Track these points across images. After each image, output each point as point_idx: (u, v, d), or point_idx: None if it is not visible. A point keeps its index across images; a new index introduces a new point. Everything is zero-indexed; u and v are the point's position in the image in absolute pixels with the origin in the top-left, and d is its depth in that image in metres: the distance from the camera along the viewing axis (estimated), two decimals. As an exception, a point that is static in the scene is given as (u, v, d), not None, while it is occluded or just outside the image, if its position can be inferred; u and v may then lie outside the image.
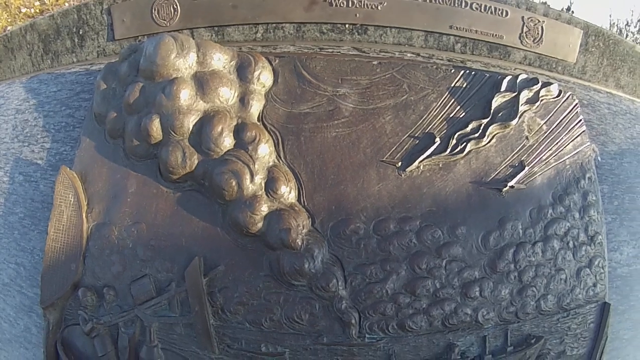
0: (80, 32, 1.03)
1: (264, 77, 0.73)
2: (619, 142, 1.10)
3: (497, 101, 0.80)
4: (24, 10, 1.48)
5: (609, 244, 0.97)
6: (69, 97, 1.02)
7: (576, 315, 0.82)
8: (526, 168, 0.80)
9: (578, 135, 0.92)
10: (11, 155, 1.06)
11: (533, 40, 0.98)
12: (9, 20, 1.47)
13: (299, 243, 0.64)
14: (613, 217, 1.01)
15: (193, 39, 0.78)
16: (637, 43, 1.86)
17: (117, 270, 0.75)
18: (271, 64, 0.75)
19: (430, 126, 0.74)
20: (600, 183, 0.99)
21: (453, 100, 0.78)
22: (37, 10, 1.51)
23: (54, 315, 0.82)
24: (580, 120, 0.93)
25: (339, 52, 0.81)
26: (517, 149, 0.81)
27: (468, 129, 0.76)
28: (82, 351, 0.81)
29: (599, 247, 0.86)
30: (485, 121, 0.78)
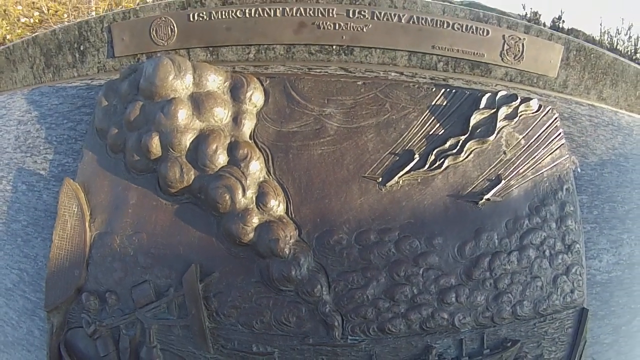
0: (81, 48, 1.15)
1: (255, 98, 0.85)
2: (600, 153, 1.22)
3: (475, 118, 0.92)
4: (23, 19, 1.61)
5: (588, 252, 1.08)
6: (70, 111, 1.14)
7: (553, 321, 0.93)
8: (503, 181, 0.92)
9: (557, 148, 1.03)
10: (14, 165, 1.18)
11: (514, 57, 1.10)
12: (8, 28, 1.60)
13: (287, 252, 0.76)
14: (592, 226, 1.12)
15: (190, 60, 0.91)
16: (627, 51, 1.98)
17: (118, 276, 0.87)
18: (262, 85, 0.87)
19: (410, 143, 0.86)
20: (579, 193, 1.10)
21: (433, 117, 0.90)
22: (37, 20, 1.64)
23: (58, 318, 0.94)
24: (560, 133, 1.04)
25: (327, 72, 0.93)
26: (495, 163, 0.92)
27: (446, 145, 0.87)
28: (84, 353, 0.93)
29: (577, 255, 0.97)
30: (463, 138, 0.89)
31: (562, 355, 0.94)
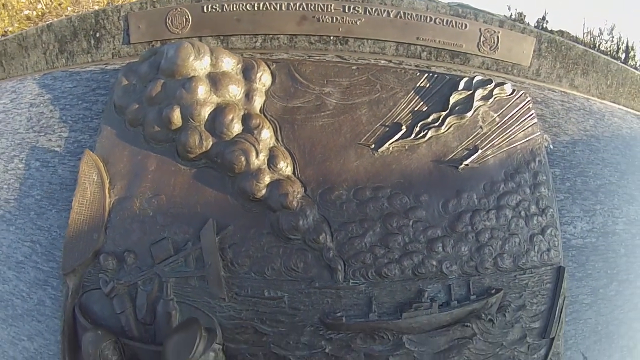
0: (97, 35, 1.42)
1: (264, 78, 1.13)
2: (571, 133, 1.55)
3: (454, 97, 1.22)
4: (26, 12, 1.85)
5: (562, 218, 1.39)
6: (85, 93, 1.39)
7: (533, 275, 1.22)
8: (479, 151, 1.21)
9: (529, 126, 1.34)
10: (26, 144, 1.40)
11: (490, 48, 1.43)
12: (8, 21, 1.83)
13: (295, 205, 1.02)
14: (565, 196, 1.43)
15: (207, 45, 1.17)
16: (610, 50, 2.39)
17: (137, 236, 1.10)
18: (269, 68, 1.16)
19: (398, 117, 1.15)
20: (552, 167, 1.42)
21: (417, 97, 1.19)
22: (39, 13, 1.89)
23: (74, 281, 1.15)
24: (532, 113, 1.36)
25: (325, 59, 1.22)
26: (472, 135, 1.22)
27: (429, 119, 1.17)
28: (99, 314, 1.14)
29: (551, 218, 1.27)
30: (444, 113, 1.20)
31: (544, 308, 1.22)
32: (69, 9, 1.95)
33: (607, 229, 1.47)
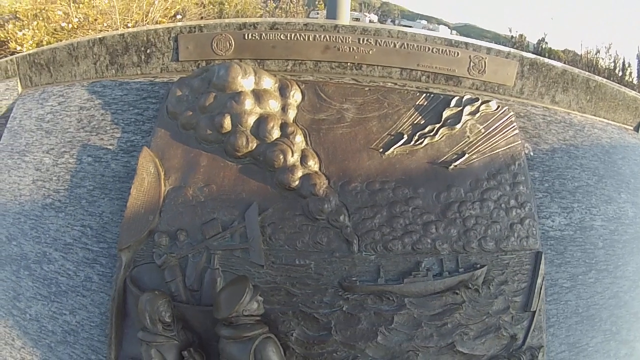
0: (148, 51, 2.31)
1: (296, 96, 2.02)
2: (551, 142, 2.48)
3: (446, 113, 2.14)
4: (63, 24, 2.76)
5: (540, 212, 2.28)
6: (136, 100, 2.25)
7: (513, 256, 2.09)
8: (466, 155, 2.10)
9: (511, 136, 2.27)
10: (77, 142, 2.23)
11: (478, 72, 2.39)
12: (45, 31, 2.73)
13: (321, 193, 1.87)
14: (544, 194, 2.33)
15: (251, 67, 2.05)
16: (607, 67, 3.46)
17: (189, 218, 1.93)
18: (300, 88, 2.05)
19: (401, 128, 2.04)
20: (531, 170, 2.32)
21: (417, 112, 2.10)
22: (75, 27, 2.80)
23: (127, 256, 1.92)
24: (514, 125, 2.29)
25: (343, 81, 2.13)
26: (461, 143, 2.12)
27: (426, 130, 2.07)
28: (148, 284, 1.91)
29: (529, 211, 2.17)
30: (437, 125, 2.10)
31: (525, 285, 2.07)
32: (105, 24, 2.86)
33: (585, 224, 2.35)
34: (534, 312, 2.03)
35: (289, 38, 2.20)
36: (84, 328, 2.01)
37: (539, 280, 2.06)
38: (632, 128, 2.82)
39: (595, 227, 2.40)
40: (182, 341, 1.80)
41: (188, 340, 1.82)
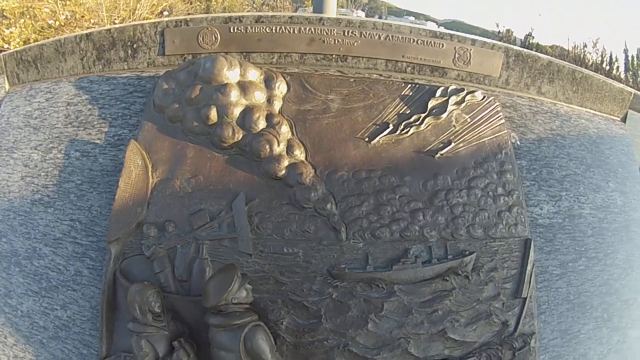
0: (134, 46, 2.34)
1: (282, 87, 2.06)
2: (537, 132, 2.52)
3: (432, 103, 2.17)
4: (50, 22, 2.79)
5: (529, 200, 2.30)
6: (123, 95, 2.27)
7: (502, 243, 2.11)
8: (452, 144, 2.14)
9: (497, 125, 2.30)
10: (65, 137, 2.25)
11: (463, 63, 2.43)
12: (31, 29, 2.76)
13: (308, 181, 1.90)
14: (532, 183, 2.36)
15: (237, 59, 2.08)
16: (594, 61, 3.53)
17: (177, 209, 1.95)
18: (285, 79, 2.08)
19: (386, 118, 2.08)
20: (518, 159, 2.36)
21: (402, 102, 2.14)
22: (62, 24, 2.83)
23: (117, 248, 1.94)
24: (500, 115, 2.32)
25: (328, 73, 2.15)
26: (447, 132, 2.16)
27: (411, 119, 2.11)
28: (138, 276, 1.94)
29: (517, 199, 2.19)
30: (423, 115, 2.13)
31: (514, 272, 2.09)
32: (92, 21, 2.90)
33: (574, 212, 2.38)
34: (525, 298, 2.05)
35: (274, 31, 2.24)
36: (75, 323, 2.01)
37: (529, 267, 2.09)
38: (619, 119, 2.87)
39: (584, 215, 2.43)
40: (172, 331, 1.81)
41: (178, 331, 1.84)
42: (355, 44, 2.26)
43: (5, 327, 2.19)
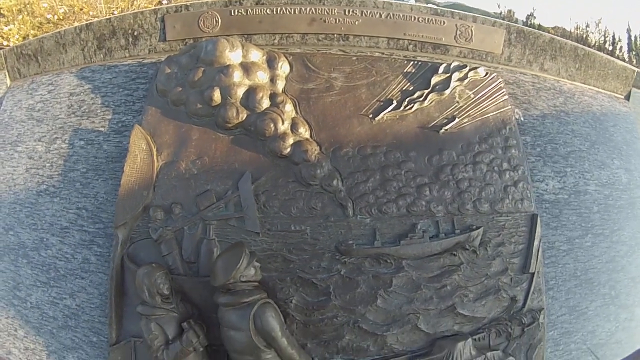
0: (135, 34, 2.35)
1: (284, 67, 2.07)
2: (541, 108, 2.52)
3: (435, 79, 2.18)
4: (49, 16, 2.81)
5: (534, 176, 2.30)
6: (125, 82, 2.28)
7: (509, 218, 2.11)
8: (457, 119, 2.14)
9: (501, 101, 2.31)
10: (68, 127, 2.26)
11: (465, 40, 2.43)
12: (30, 24, 2.78)
13: (313, 158, 1.91)
14: (537, 159, 2.36)
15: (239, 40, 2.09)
16: (597, 42, 3.52)
17: (183, 191, 1.96)
18: (288, 59, 2.09)
19: (390, 95, 2.09)
20: (523, 135, 2.36)
21: (405, 79, 2.14)
22: (60, 17, 2.85)
23: (124, 233, 1.95)
24: (503, 91, 2.33)
25: (330, 52, 2.16)
26: (450, 108, 2.16)
27: (415, 95, 2.11)
28: (145, 260, 1.95)
29: (522, 174, 2.19)
30: (426, 91, 2.13)
31: (522, 247, 2.09)
32: (91, 13, 2.92)
33: (579, 188, 2.38)
34: (533, 274, 2.05)
35: (275, 12, 2.25)
36: (85, 310, 2.02)
37: (536, 242, 2.09)
38: (622, 97, 2.86)
39: (589, 191, 2.43)
40: (181, 313, 1.82)
41: (187, 312, 1.84)
42: (356, 23, 2.27)
43: (15, 320, 2.20)
